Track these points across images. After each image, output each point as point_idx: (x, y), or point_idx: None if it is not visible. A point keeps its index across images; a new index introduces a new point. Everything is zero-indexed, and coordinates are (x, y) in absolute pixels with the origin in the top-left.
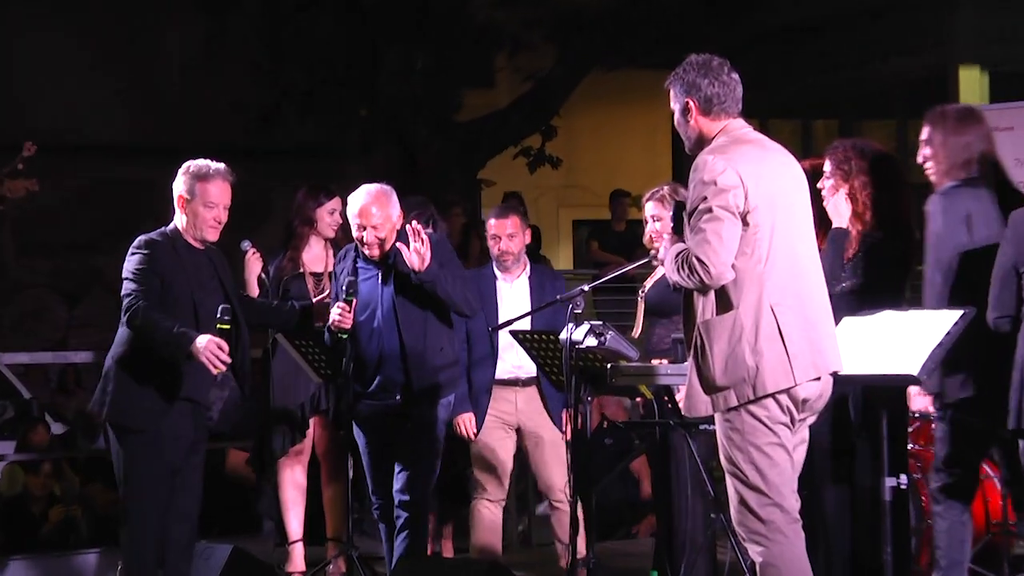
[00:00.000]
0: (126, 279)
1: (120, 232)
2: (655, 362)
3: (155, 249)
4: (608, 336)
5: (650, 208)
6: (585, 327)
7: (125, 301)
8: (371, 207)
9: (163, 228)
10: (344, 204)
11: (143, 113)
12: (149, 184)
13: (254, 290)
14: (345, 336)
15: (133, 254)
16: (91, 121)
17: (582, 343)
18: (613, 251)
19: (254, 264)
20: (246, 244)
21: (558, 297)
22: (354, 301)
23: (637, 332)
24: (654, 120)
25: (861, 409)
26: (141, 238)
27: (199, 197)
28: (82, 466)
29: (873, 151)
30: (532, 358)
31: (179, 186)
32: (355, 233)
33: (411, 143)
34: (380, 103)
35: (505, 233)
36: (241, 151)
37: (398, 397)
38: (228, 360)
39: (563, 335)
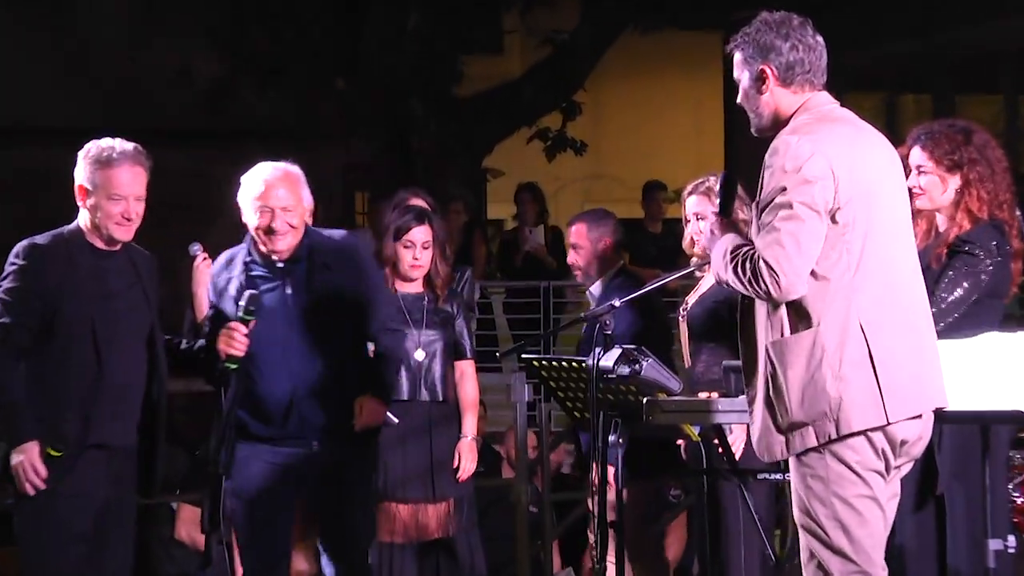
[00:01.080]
0: None
1: (37, 233)
2: (702, 395)
3: (37, 259)
4: (645, 363)
5: (693, 204)
6: (616, 352)
7: None
8: (280, 186)
9: (59, 229)
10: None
11: (68, 88)
12: (71, 175)
13: (203, 306)
14: (234, 367)
15: (6, 268)
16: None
17: (612, 371)
18: (647, 259)
19: (204, 273)
20: (196, 248)
21: (582, 315)
22: (252, 322)
23: (687, 361)
24: (700, 94)
25: (951, 451)
26: (20, 244)
27: (102, 187)
28: None
29: (983, 136)
30: (550, 391)
31: (79, 174)
32: (256, 222)
33: (401, 123)
34: (362, 73)
35: (571, 243)
36: (189, 134)
37: (315, 444)
38: (40, 485)
39: (588, 362)
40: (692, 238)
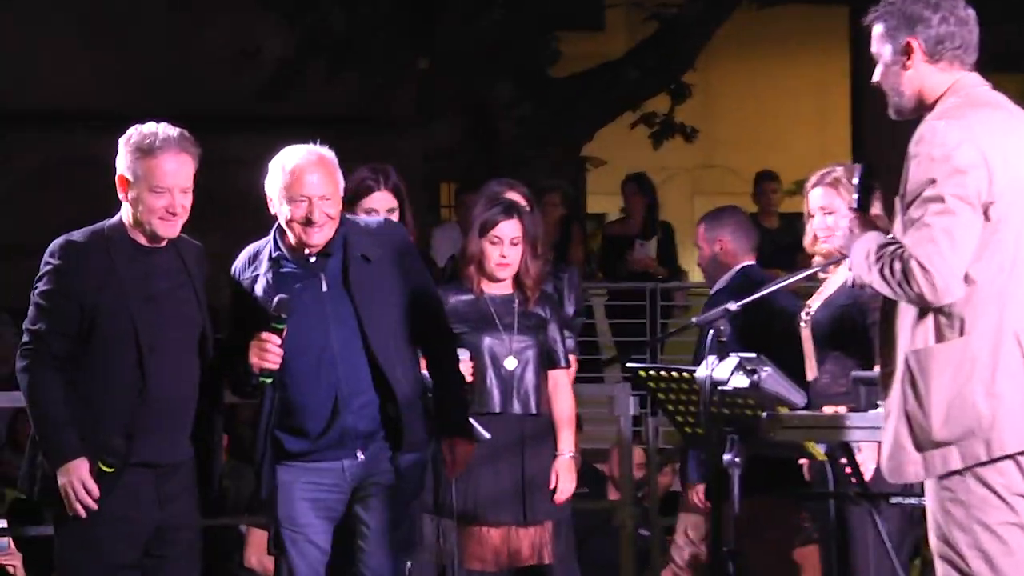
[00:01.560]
0: (31, 309)
1: (82, 226)
2: (827, 410)
3: (72, 258)
4: (764, 373)
5: (819, 197)
6: (732, 361)
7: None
8: (315, 172)
9: (99, 224)
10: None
11: (117, 71)
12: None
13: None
14: (270, 380)
15: (41, 270)
16: (46, 82)
17: (727, 383)
18: (762, 258)
19: None
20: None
21: (693, 320)
22: (284, 330)
23: (812, 372)
24: (825, 76)
25: None
26: (55, 242)
27: (143, 178)
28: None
29: None
30: (658, 403)
31: (119, 163)
32: (290, 214)
33: (489, 108)
34: (445, 51)
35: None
36: (250, 121)
37: (360, 454)
38: (92, 506)
39: (701, 372)
40: (816, 235)
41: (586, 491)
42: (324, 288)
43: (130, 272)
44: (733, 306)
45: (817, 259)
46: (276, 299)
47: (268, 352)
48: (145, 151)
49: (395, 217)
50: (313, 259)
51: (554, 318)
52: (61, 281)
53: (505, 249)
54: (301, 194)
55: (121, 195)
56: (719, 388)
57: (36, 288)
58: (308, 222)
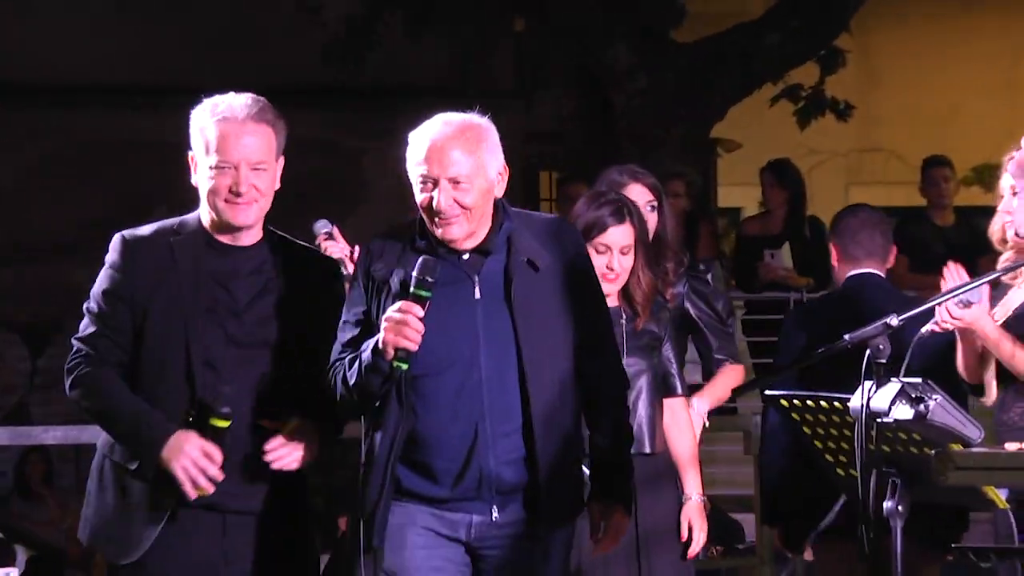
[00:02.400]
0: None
1: (122, 225)
2: (1010, 446)
3: (126, 255)
4: (933, 402)
5: (1012, 177)
6: (893, 387)
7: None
8: (452, 147)
9: (177, 218)
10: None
11: (160, 42)
12: (172, 148)
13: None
14: (406, 366)
15: (102, 270)
16: (73, 54)
17: (887, 414)
18: (933, 260)
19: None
20: (323, 225)
21: (846, 337)
22: (429, 300)
23: (991, 398)
24: (1015, 37)
25: None
26: (116, 236)
27: (207, 153)
28: None
29: None
30: (804, 441)
31: (192, 139)
32: (420, 195)
33: (600, 78)
34: (547, 11)
35: None
36: (315, 93)
37: (496, 510)
38: (217, 477)
39: (855, 401)
40: (1003, 224)
41: (719, 548)
42: (477, 295)
43: (193, 273)
44: (894, 320)
45: (1006, 258)
46: (420, 259)
47: (407, 326)
48: (209, 120)
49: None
50: (466, 256)
51: (669, 335)
52: (114, 281)
53: (613, 260)
54: (428, 175)
55: (193, 180)
56: (878, 420)
57: (90, 296)
58: (433, 211)
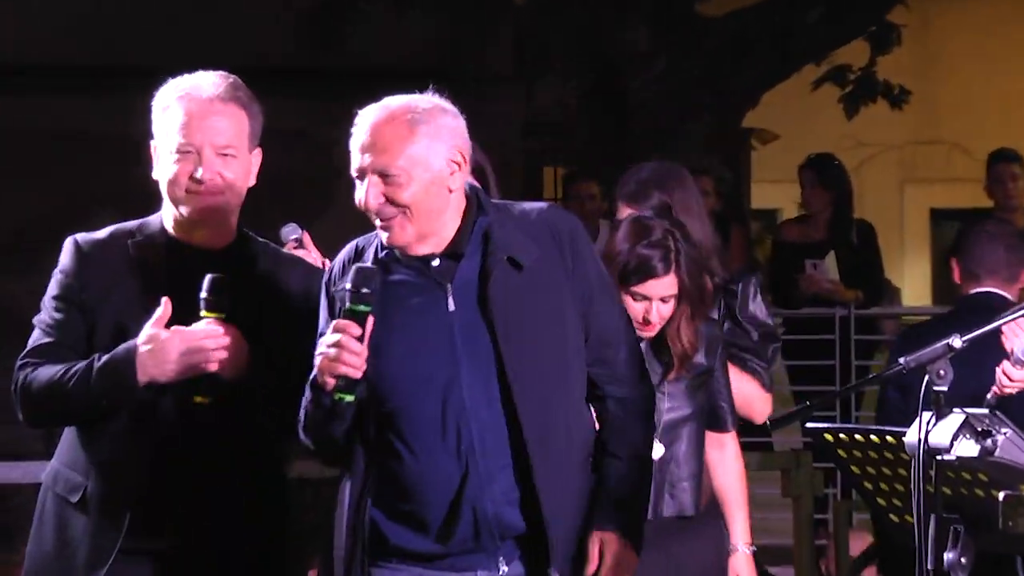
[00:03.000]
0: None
1: (66, 229)
2: None
3: (77, 262)
4: (1001, 437)
5: None
6: (956, 419)
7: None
8: (380, 133)
9: (136, 221)
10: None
11: (110, 16)
12: (125, 141)
13: None
14: (350, 397)
15: (52, 277)
16: (8, 29)
17: (949, 450)
18: None
19: None
20: (291, 231)
21: (900, 360)
22: (369, 318)
23: None
24: None
25: None
26: (68, 240)
27: (166, 136)
28: None
29: None
30: (851, 480)
31: (153, 125)
32: (357, 194)
33: (613, 59)
34: None
35: None
36: (286, 74)
37: (504, 564)
38: (224, 374)
39: (911, 436)
40: None
41: None
42: (451, 306)
43: (150, 279)
44: (957, 342)
45: None
46: (354, 268)
47: (343, 349)
48: (172, 99)
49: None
50: (436, 263)
51: (721, 361)
52: (64, 288)
53: (652, 310)
54: (357, 167)
55: (154, 174)
56: (938, 458)
57: (42, 306)
58: (370, 212)
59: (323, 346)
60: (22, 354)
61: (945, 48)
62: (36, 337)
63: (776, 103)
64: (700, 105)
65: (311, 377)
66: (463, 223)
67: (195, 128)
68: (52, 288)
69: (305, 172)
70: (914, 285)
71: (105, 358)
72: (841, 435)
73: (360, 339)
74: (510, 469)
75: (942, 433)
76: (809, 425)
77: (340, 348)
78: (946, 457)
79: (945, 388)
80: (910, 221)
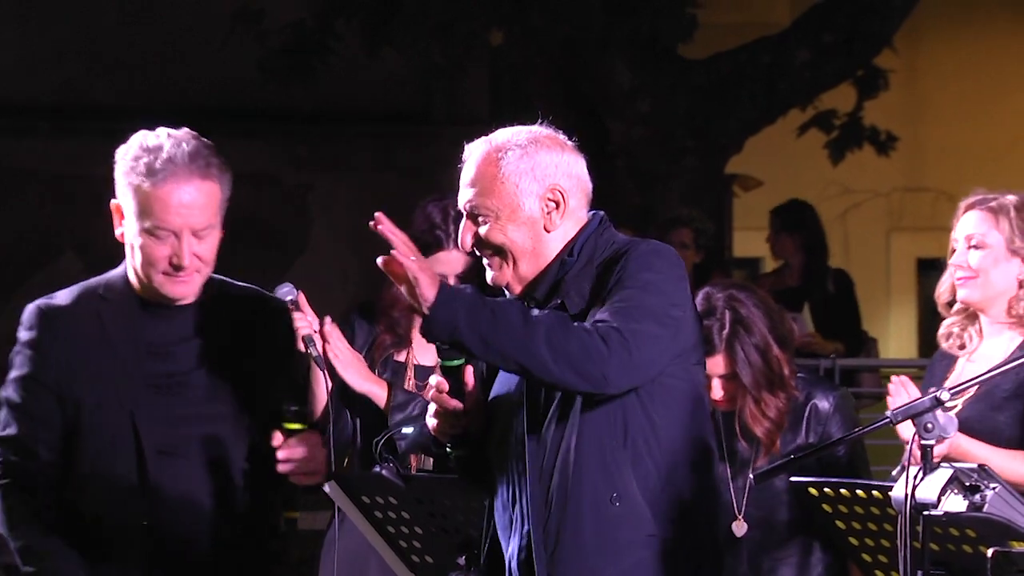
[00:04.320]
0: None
1: (19, 273)
2: None
3: (46, 330)
4: (990, 492)
5: (969, 224)
6: (944, 474)
7: None
8: (470, 171)
9: (95, 279)
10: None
11: (67, 54)
12: (82, 181)
13: (374, 392)
14: (460, 453)
15: (15, 351)
16: None
17: (936, 506)
18: None
19: (339, 342)
20: (286, 291)
21: (887, 414)
22: (466, 369)
23: None
24: None
25: None
26: (27, 308)
27: (140, 214)
28: None
29: None
30: (835, 535)
31: (116, 185)
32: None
33: (596, 101)
34: (530, 21)
35: None
36: (251, 116)
37: None
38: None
39: (898, 490)
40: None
41: None
42: None
43: (129, 346)
44: (944, 394)
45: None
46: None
47: (436, 411)
48: (141, 175)
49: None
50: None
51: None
52: (31, 362)
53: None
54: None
55: (117, 232)
56: (925, 513)
57: (8, 375)
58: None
59: (435, 399)
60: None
61: (932, 93)
62: (5, 420)
63: (760, 148)
64: (683, 149)
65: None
66: (551, 263)
67: (173, 212)
68: (19, 364)
69: (272, 217)
70: (900, 336)
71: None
72: (826, 489)
73: (456, 393)
74: (582, 515)
75: (929, 488)
76: (793, 479)
77: (440, 406)
78: (934, 512)
79: (932, 442)
80: (896, 270)
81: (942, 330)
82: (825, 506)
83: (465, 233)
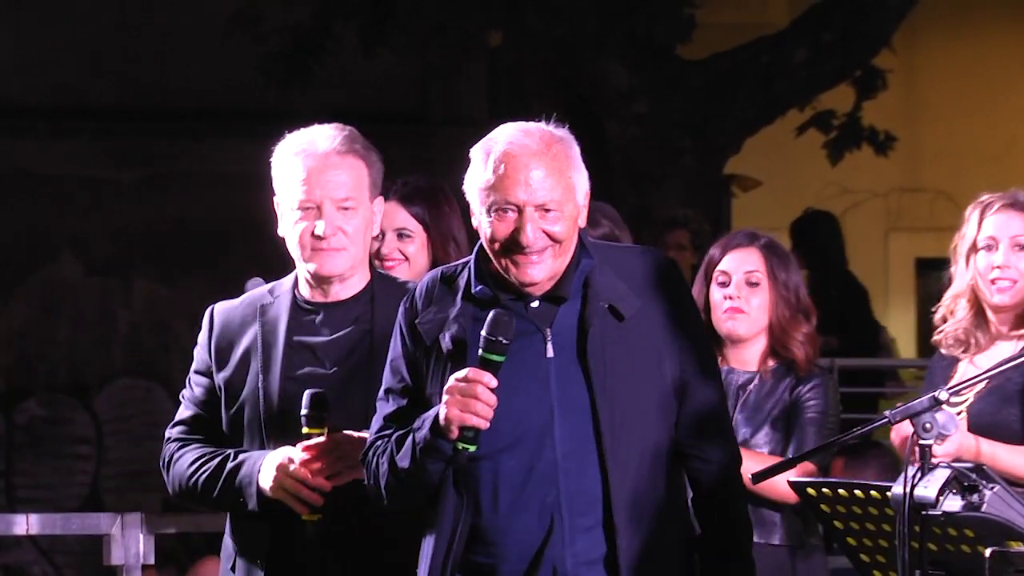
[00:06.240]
0: None
1: (13, 275)
2: None
3: (214, 330)
4: (988, 492)
5: (1000, 224)
6: (942, 474)
7: None
8: (537, 164)
9: (273, 283)
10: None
11: (63, 56)
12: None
13: None
14: (473, 448)
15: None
16: None
17: (935, 505)
18: None
19: None
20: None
21: (886, 413)
22: (501, 365)
23: None
24: None
25: None
26: (207, 310)
27: (286, 195)
28: None
29: None
30: (834, 535)
31: (275, 184)
32: (494, 226)
33: (592, 101)
34: (528, 22)
35: None
36: (248, 118)
37: None
38: (325, 487)
39: (896, 490)
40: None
41: None
42: (550, 352)
43: (277, 340)
44: (943, 394)
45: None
46: (492, 314)
47: (477, 399)
48: (289, 156)
49: (410, 248)
50: (535, 305)
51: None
52: (198, 358)
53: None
54: (507, 200)
55: (280, 231)
56: (923, 513)
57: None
58: (516, 246)
59: (455, 393)
60: (169, 424)
61: (932, 93)
62: (180, 411)
63: (759, 149)
64: (680, 150)
65: (431, 419)
66: (569, 264)
67: (314, 183)
68: (194, 361)
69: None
70: (899, 336)
71: (231, 466)
72: (824, 489)
73: (494, 391)
74: (596, 529)
75: (928, 488)
76: (792, 479)
77: (474, 398)
78: (932, 512)
79: (931, 441)
80: (895, 270)
81: (948, 331)
82: (824, 506)
83: (532, 228)
